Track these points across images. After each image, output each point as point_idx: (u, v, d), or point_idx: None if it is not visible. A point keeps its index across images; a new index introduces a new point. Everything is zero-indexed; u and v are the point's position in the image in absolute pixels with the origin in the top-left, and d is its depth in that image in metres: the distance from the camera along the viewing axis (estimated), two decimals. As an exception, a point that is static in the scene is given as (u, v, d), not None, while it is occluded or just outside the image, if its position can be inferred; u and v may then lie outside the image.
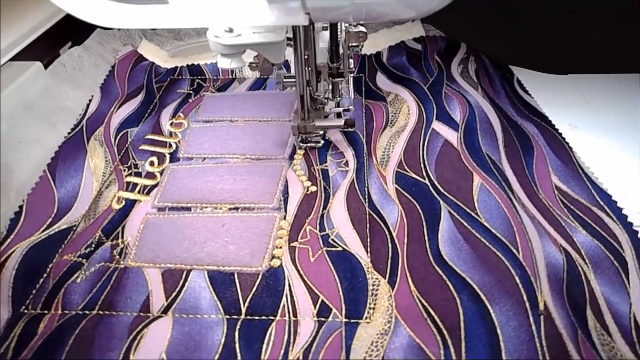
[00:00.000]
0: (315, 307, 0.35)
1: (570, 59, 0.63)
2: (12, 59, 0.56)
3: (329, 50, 0.46)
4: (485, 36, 0.65)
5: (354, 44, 0.44)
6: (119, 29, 0.72)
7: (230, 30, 0.36)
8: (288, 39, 0.42)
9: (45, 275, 0.39)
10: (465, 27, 0.66)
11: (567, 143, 0.50)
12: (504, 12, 0.65)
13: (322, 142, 0.52)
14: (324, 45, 0.46)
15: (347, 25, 0.44)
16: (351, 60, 0.48)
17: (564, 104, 0.57)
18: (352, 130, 0.51)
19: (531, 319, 0.31)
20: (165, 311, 0.36)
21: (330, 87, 0.50)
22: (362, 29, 0.43)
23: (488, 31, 0.65)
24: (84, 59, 0.63)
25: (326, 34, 0.45)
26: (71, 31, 0.66)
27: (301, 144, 0.52)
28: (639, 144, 0.50)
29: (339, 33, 0.44)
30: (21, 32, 0.59)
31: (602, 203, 0.43)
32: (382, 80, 0.63)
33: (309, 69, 0.45)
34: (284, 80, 0.48)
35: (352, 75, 0.58)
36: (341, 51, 0.47)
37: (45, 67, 0.59)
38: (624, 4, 0.62)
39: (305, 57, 0.44)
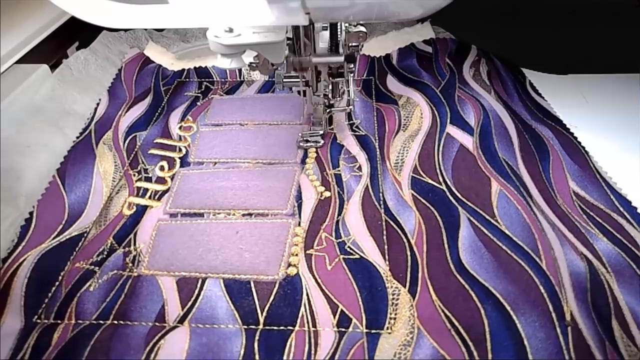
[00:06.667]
0: (334, 316, 0.35)
1: (570, 59, 0.63)
2: (18, 62, 0.56)
3: (329, 50, 0.45)
4: (486, 36, 0.65)
5: (354, 44, 0.44)
6: (125, 31, 0.71)
7: (230, 30, 0.36)
8: (288, 39, 0.41)
9: (57, 283, 0.38)
10: (466, 27, 0.65)
11: (584, 147, 0.49)
12: (503, 12, 0.64)
13: (322, 142, 0.52)
14: (324, 45, 0.46)
15: (347, 25, 0.43)
16: None
17: (564, 104, 0.56)
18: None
19: (558, 330, 0.31)
20: (181, 321, 0.35)
21: (331, 87, 0.50)
22: (362, 29, 0.42)
23: (489, 31, 0.64)
24: (90, 61, 0.63)
25: (326, 34, 0.45)
26: (77, 33, 0.65)
27: (301, 144, 0.52)
28: (639, 144, 0.50)
29: (339, 33, 0.44)
30: (27, 34, 0.58)
31: (621, 209, 0.42)
32: (392, 83, 0.62)
33: (310, 69, 0.45)
34: (284, 80, 0.48)
35: (352, 75, 0.57)
36: (341, 51, 0.46)
37: (52, 69, 0.58)
38: (624, 4, 0.62)
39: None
